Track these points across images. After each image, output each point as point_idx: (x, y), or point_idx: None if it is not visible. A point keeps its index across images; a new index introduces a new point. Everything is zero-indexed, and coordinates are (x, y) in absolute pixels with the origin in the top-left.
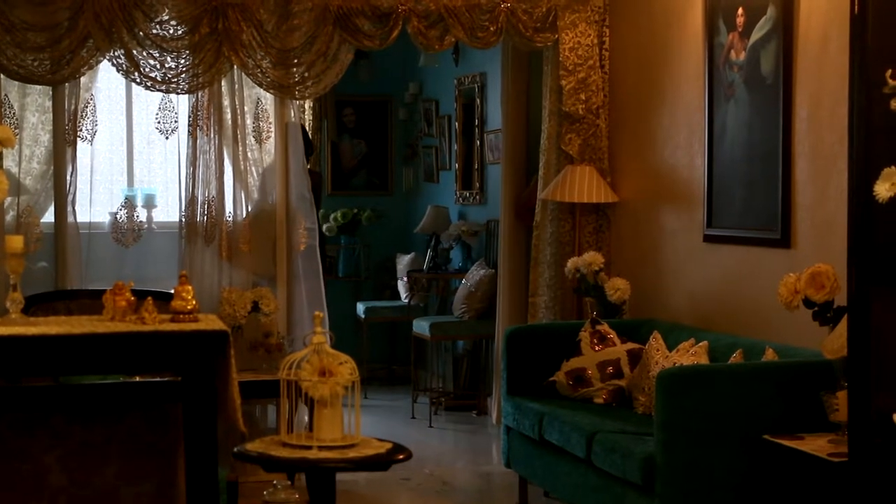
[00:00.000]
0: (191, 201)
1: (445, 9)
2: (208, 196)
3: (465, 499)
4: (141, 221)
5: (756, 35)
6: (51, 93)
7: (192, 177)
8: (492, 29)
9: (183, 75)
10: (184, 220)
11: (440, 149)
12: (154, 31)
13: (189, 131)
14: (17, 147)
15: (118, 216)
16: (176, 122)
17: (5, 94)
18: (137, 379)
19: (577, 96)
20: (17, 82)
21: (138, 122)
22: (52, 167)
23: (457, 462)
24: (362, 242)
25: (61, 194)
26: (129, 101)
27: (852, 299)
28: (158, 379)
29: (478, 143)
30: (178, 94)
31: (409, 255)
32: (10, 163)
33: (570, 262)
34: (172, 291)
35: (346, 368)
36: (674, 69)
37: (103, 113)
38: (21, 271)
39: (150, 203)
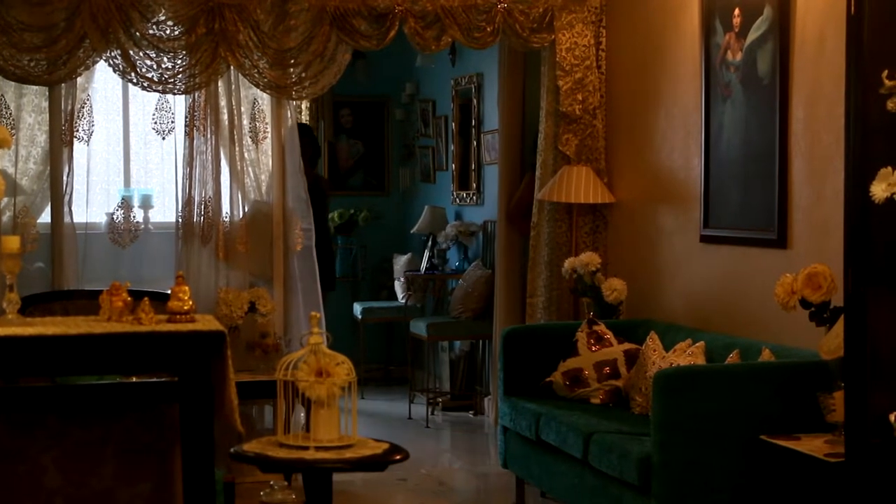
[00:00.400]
0: (187, 202)
1: (442, 9)
2: (205, 196)
3: (462, 499)
4: (137, 222)
5: (752, 35)
6: (47, 93)
7: (189, 177)
8: (488, 29)
9: (179, 76)
10: (180, 220)
11: (437, 149)
12: (150, 32)
13: (186, 132)
14: (13, 147)
15: (115, 216)
16: (172, 122)
17: (1, 95)
18: (134, 379)
19: (574, 97)
20: (13, 83)
21: (135, 123)
22: (48, 167)
23: (454, 462)
24: (359, 243)
25: (58, 195)
26: (125, 102)
27: (849, 300)
28: (155, 379)
29: (474, 143)
30: (174, 94)
31: (405, 256)
32: (6, 163)
33: (567, 263)
34: (169, 292)
35: (342, 369)
36: (670, 69)
37: (100, 113)
38: (17, 272)
39: (146, 203)
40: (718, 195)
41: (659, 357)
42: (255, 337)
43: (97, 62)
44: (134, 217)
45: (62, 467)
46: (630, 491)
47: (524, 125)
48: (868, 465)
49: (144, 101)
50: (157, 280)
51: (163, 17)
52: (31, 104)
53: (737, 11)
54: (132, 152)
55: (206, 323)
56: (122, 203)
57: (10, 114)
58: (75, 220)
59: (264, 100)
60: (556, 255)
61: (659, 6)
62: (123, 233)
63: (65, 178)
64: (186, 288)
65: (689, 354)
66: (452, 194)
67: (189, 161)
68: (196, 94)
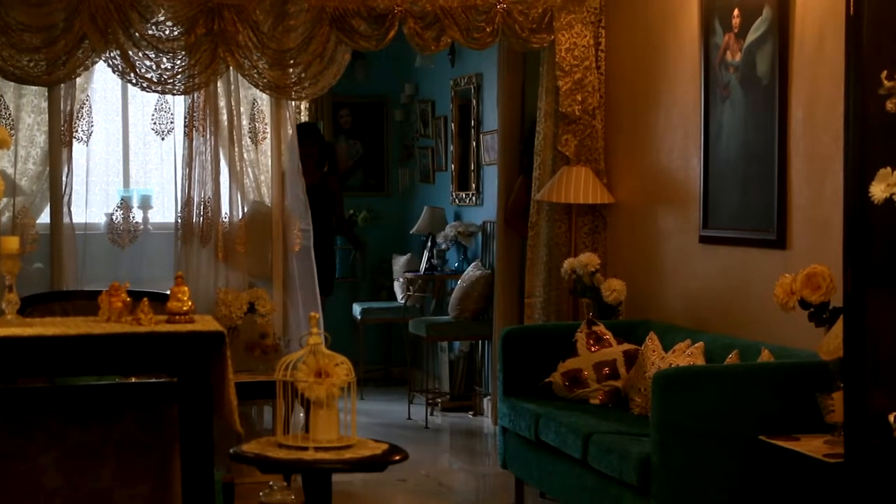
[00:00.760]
0: (187, 202)
1: (441, 10)
2: (204, 197)
3: (462, 500)
4: (137, 222)
5: (752, 36)
6: (46, 94)
7: (188, 178)
8: (488, 30)
9: (179, 76)
10: (180, 220)
11: (436, 150)
12: (150, 32)
13: (185, 132)
14: (12, 148)
15: (114, 217)
16: (172, 122)
17: (1, 95)
18: (133, 380)
19: (574, 97)
20: (12, 83)
21: (134, 123)
22: (47, 168)
23: (453, 463)
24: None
25: (57, 195)
26: (124, 102)
27: (848, 300)
28: (154, 380)
29: (474, 144)
30: (173, 94)
31: (405, 256)
32: (5, 164)
33: (567, 264)
34: (168, 292)
35: (342, 369)
36: (670, 70)
37: (99, 114)
38: (17, 272)
39: (146, 204)
40: (718, 196)
41: (658, 357)
42: (254, 337)
43: (96, 63)
44: (133, 217)
45: (61, 468)
46: (629, 491)
47: (523, 126)
48: (867, 466)
49: (144, 102)
50: (157, 280)
51: (162, 18)
52: (31, 105)
53: (736, 12)
54: (131, 153)
55: (206, 323)
56: (121, 203)
57: (10, 114)
58: (74, 220)
59: (264, 100)
60: (556, 255)
61: (658, 7)
62: (123, 233)
63: (64, 178)
64: (185, 288)
65: (688, 355)
66: (452, 195)
67: (188, 161)
68: (195, 95)
